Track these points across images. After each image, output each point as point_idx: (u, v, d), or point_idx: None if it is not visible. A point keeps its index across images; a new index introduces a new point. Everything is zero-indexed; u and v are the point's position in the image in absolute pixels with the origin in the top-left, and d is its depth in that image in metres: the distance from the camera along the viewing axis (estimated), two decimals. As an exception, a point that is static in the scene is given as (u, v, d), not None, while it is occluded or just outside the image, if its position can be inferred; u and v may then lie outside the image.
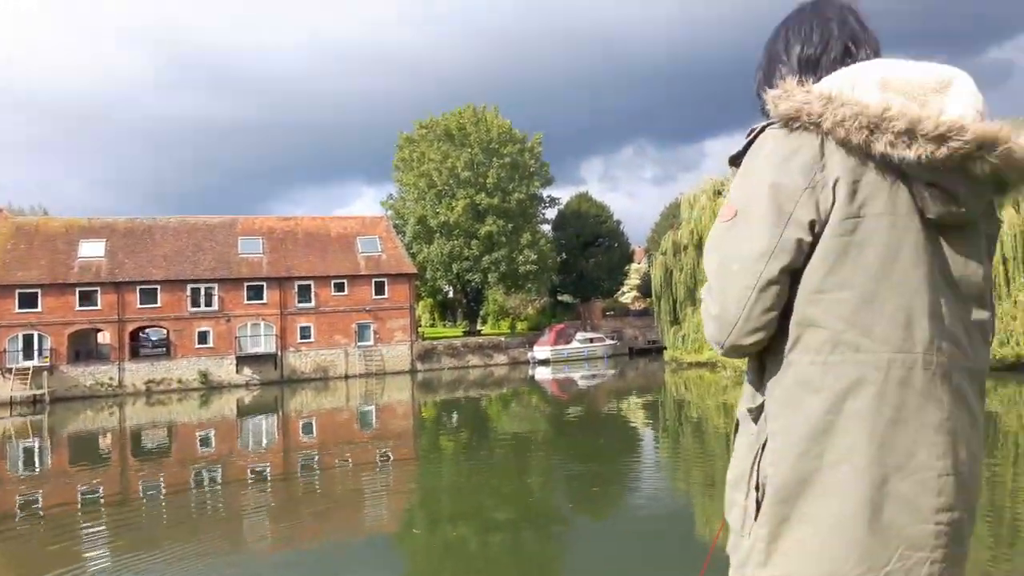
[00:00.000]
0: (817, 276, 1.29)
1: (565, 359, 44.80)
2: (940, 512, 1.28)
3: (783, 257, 1.29)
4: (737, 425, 1.47)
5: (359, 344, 42.33)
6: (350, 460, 15.63)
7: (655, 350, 46.51)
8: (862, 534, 1.26)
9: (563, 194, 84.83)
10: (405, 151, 52.08)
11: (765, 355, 1.37)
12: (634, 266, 67.80)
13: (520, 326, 53.67)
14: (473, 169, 49.48)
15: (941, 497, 1.27)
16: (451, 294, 61.74)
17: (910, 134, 1.23)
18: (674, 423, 19.65)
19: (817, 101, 1.28)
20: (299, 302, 41.53)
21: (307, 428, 22.72)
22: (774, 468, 1.32)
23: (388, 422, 23.49)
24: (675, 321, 37.39)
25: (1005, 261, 25.62)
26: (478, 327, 56.15)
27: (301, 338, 41.25)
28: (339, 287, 42.59)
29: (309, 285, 41.97)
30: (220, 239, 42.27)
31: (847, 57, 1.44)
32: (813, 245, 1.29)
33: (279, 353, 40.39)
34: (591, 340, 47.83)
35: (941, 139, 1.22)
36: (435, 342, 46.22)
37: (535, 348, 45.64)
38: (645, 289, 57.84)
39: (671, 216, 54.41)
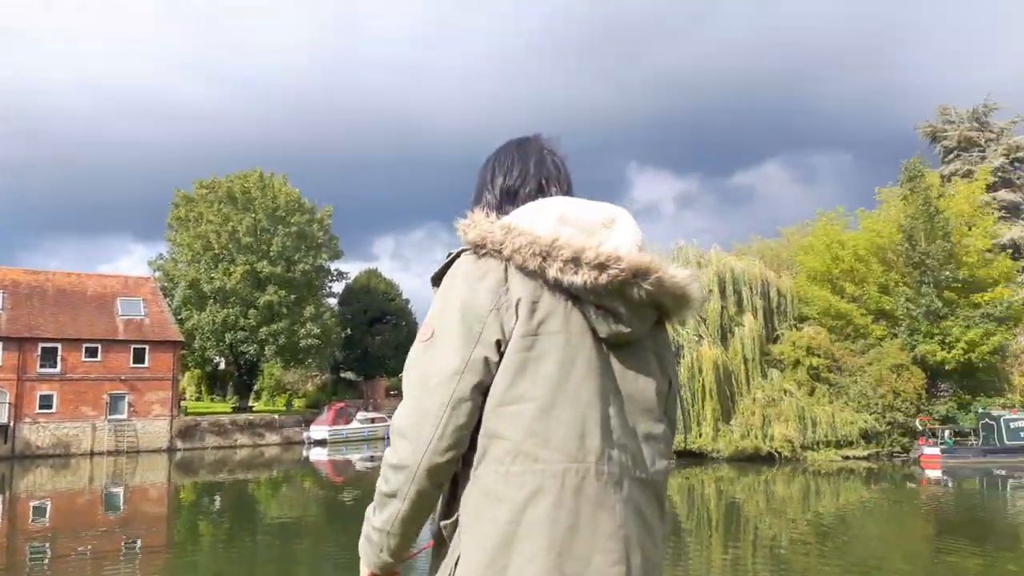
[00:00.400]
0: (499, 390, 1.38)
1: (344, 440, 43.36)
2: None
3: (473, 376, 1.38)
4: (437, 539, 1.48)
5: (110, 417, 38.32)
6: (89, 549, 13.84)
7: (437, 432, 46.33)
8: None
9: (352, 269, 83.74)
10: (181, 210, 49.03)
11: (458, 471, 1.42)
12: (419, 346, 67.76)
13: (297, 403, 51.49)
14: (256, 235, 47.59)
15: None
16: (222, 366, 58.05)
17: (576, 261, 1.38)
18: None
19: (499, 231, 1.43)
20: (41, 367, 37.03)
21: (39, 512, 19.90)
22: None
23: (138, 506, 21.19)
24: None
25: (746, 362, 28.67)
26: (250, 403, 53.01)
27: (41, 408, 36.58)
28: (91, 352, 38.55)
29: (55, 348, 37.64)
30: (-51, 289, 36.98)
31: (540, 193, 1.61)
32: (500, 361, 1.38)
33: (11, 424, 35.49)
34: (372, 420, 46.82)
35: (602, 267, 1.38)
36: (200, 418, 42.96)
37: (312, 427, 43.80)
38: (428, 370, 57.75)
39: (458, 299, 55.41)
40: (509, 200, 1.62)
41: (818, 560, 11.70)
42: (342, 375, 59.91)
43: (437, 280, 1.52)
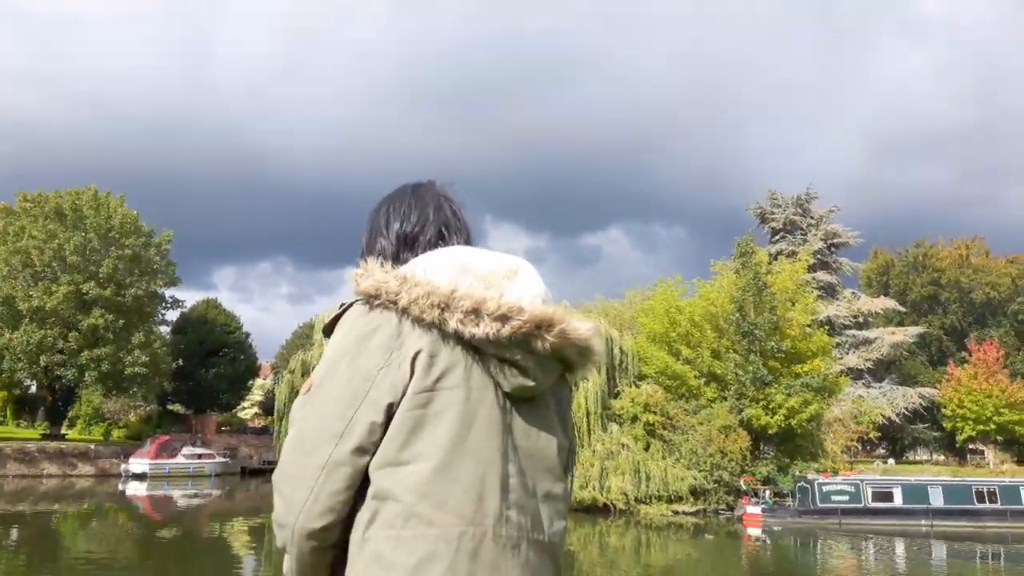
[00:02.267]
0: (392, 449, 1.31)
1: (167, 475, 40.48)
2: None
3: (353, 438, 1.31)
4: None
5: None
6: None
7: (270, 471, 44.26)
8: None
9: (189, 297, 79.16)
10: (1, 223, 45.01)
11: (346, 533, 1.35)
12: (259, 381, 65.10)
13: (117, 433, 47.72)
14: (85, 255, 44.25)
15: None
16: (33, 389, 52.99)
17: (476, 313, 1.33)
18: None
19: (394, 280, 1.37)
20: None
21: None
22: None
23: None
24: (294, 442, 36.21)
25: (588, 414, 29.51)
26: (63, 431, 48.51)
27: None
28: None
29: None
30: None
31: (440, 240, 1.57)
32: (388, 420, 1.32)
33: None
34: (199, 456, 44.07)
35: (503, 318, 1.33)
36: (2, 444, 38.88)
37: (131, 460, 40.64)
38: (268, 407, 55.54)
39: (304, 336, 53.89)
40: (407, 247, 1.57)
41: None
42: (169, 407, 56.23)
43: (328, 331, 1.43)
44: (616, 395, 31.19)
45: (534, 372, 1.38)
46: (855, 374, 47.33)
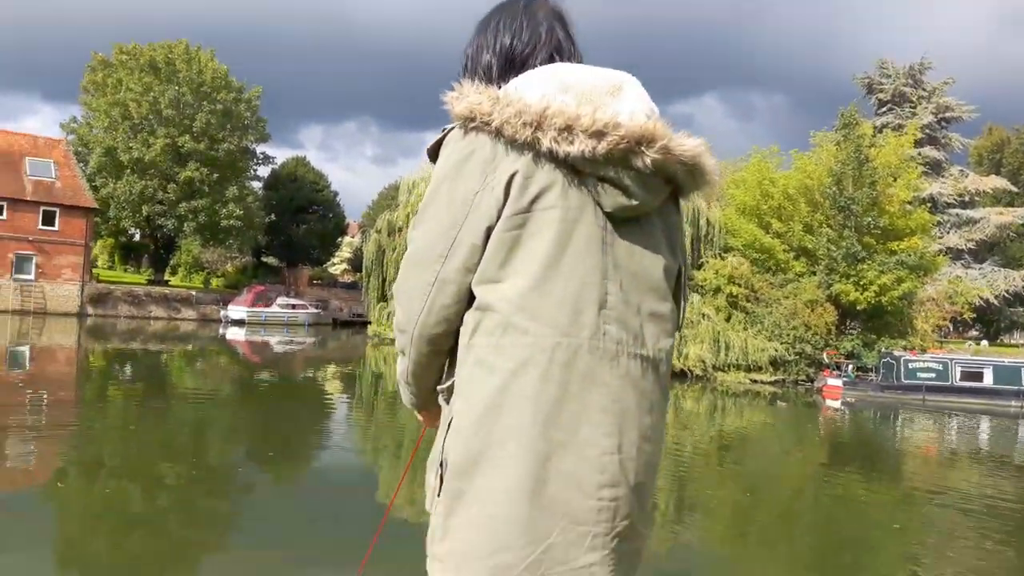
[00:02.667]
0: (491, 267, 1.36)
1: (263, 322, 42.80)
2: (603, 488, 1.33)
3: (456, 259, 1.37)
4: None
5: (16, 277, 36.75)
6: (-11, 402, 13.37)
7: (360, 323, 46.31)
8: (526, 508, 1.31)
9: (278, 155, 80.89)
10: (98, 74, 46.09)
11: (457, 339, 1.43)
12: (347, 239, 67.04)
13: (215, 282, 50.32)
14: (178, 109, 45.28)
15: (604, 475, 1.33)
16: (137, 237, 56.00)
17: (569, 130, 1.30)
18: (369, 395, 19.63)
19: (487, 101, 1.35)
20: (-58, 217, 34.97)
21: (-67, 364, 19.06)
22: (454, 445, 1.38)
23: (45, 367, 20.52)
24: (382, 298, 37.58)
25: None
26: (166, 277, 51.52)
27: (-59, 262, 34.74)
28: (-3, 210, 36.60)
29: (-41, 200, 35.51)
30: None
31: (550, 63, 1.49)
32: (487, 242, 1.35)
33: (-93, 274, 33.62)
34: (293, 306, 46.28)
35: (599, 135, 1.30)
36: (112, 286, 41.59)
37: (230, 307, 43.01)
38: (356, 263, 57.43)
39: (390, 197, 54.62)
40: (514, 68, 1.51)
41: (716, 470, 12.28)
42: (264, 259, 58.69)
43: (433, 155, 1.46)
44: (700, 266, 30.82)
45: (635, 191, 1.37)
46: (954, 254, 45.43)
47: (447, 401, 1.46)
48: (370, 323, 39.40)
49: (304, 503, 8.23)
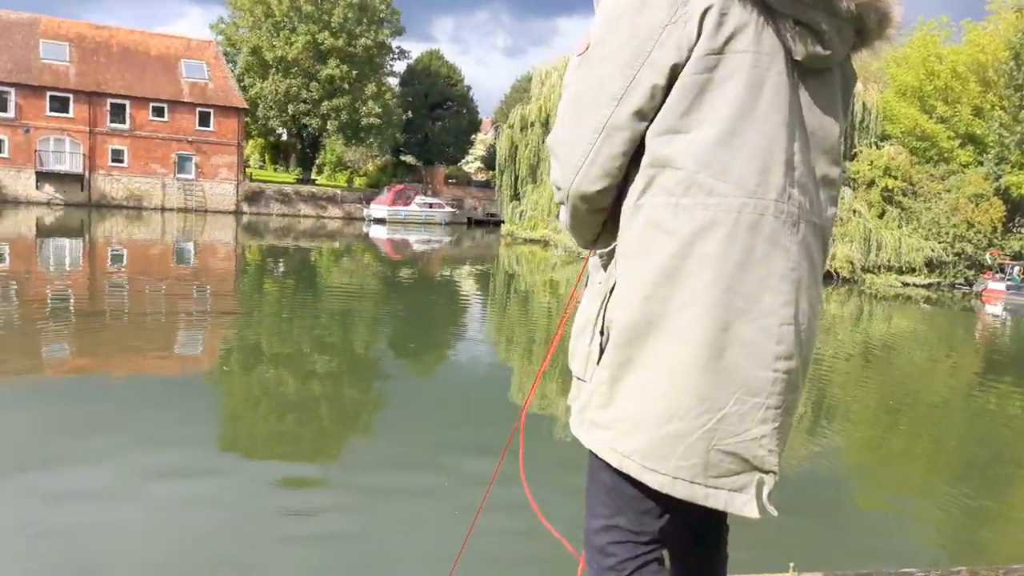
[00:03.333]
0: (674, 115, 1.23)
1: (402, 220, 44.26)
2: (779, 360, 1.27)
3: (634, 101, 1.23)
4: (587, 280, 1.47)
5: (179, 176, 39.42)
6: (163, 293, 14.67)
7: (493, 223, 46.96)
8: (702, 376, 1.25)
9: (413, 49, 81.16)
10: (239, -27, 47.26)
11: (618, 201, 1.34)
12: (480, 136, 67.22)
13: (358, 181, 52.16)
14: (316, 4, 45.90)
15: (781, 345, 1.27)
16: (285, 137, 58.48)
17: None
18: (503, 294, 20.04)
19: None
20: (112, 122, 37.71)
21: (117, 257, 21.03)
22: (620, 311, 1.31)
23: (207, 261, 22.22)
24: (515, 196, 37.72)
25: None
26: (312, 176, 53.86)
27: (113, 161, 37.73)
28: (158, 112, 38.98)
29: (124, 105, 38.08)
30: (18, 39, 37.03)
31: None
32: (671, 84, 1.22)
33: (87, 174, 36.83)
34: (430, 205, 47.44)
35: None
36: (264, 185, 43.97)
37: (372, 206, 44.65)
38: (489, 161, 57.70)
39: (522, 90, 53.90)
40: None
41: (859, 378, 11.77)
42: (402, 158, 60.01)
43: None
44: (852, 157, 28.77)
45: (831, 38, 1.26)
46: None
47: (605, 267, 1.40)
48: (503, 222, 39.82)
49: (441, 393, 8.62)
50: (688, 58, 1.21)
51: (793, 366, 1.29)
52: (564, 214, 1.43)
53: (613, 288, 1.34)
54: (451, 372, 10.10)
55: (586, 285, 1.48)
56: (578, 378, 1.43)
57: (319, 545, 4.47)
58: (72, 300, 13.19)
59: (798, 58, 1.25)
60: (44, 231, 26.61)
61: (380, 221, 43.14)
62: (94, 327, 10.79)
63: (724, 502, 1.31)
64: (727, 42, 1.21)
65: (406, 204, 45.64)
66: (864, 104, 29.01)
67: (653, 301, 1.27)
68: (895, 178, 27.93)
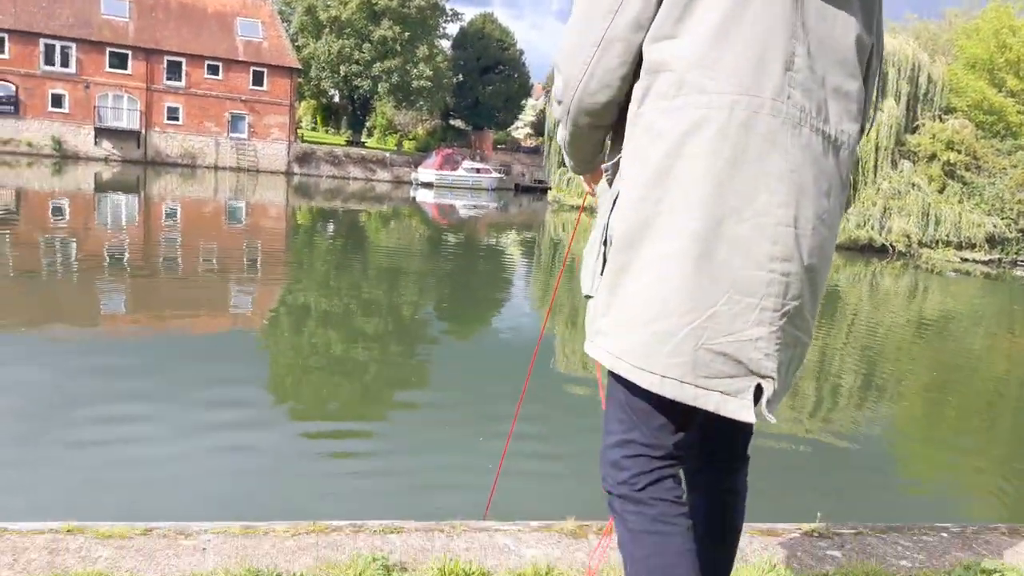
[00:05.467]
0: (669, 22, 1.24)
1: (449, 185, 44.26)
2: (774, 260, 1.24)
3: (630, 11, 1.25)
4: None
5: (232, 135, 39.91)
6: (215, 250, 14.97)
7: (540, 189, 46.72)
8: (692, 273, 1.24)
9: (466, 12, 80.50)
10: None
11: (622, 117, 1.35)
12: (531, 102, 66.61)
13: (407, 144, 52.22)
14: (371, -37, 45.70)
15: (776, 246, 1.24)
16: (336, 99, 58.74)
17: None
18: (548, 261, 19.99)
19: None
20: (168, 79, 38.23)
21: (171, 214, 21.49)
22: (619, 219, 1.31)
23: (259, 220, 22.57)
24: (563, 163, 37.21)
25: (878, 149, 26.83)
26: (362, 138, 54.12)
27: (168, 119, 38.33)
28: (213, 70, 39.34)
29: (180, 63, 38.54)
30: (80, -6, 37.52)
31: None
32: None
33: (143, 131, 37.51)
34: (478, 170, 47.31)
35: None
36: (315, 147, 44.31)
37: (420, 169, 44.69)
38: (539, 127, 57.21)
39: (575, 55, 53.03)
40: None
41: (909, 353, 11.48)
42: (451, 122, 59.86)
43: None
44: (914, 130, 27.84)
45: None
46: None
47: (611, 182, 1.39)
48: (550, 189, 39.55)
49: (485, 361, 8.66)
50: None
51: (792, 269, 1.26)
52: (562, 130, 1.43)
53: (616, 199, 1.33)
54: (494, 340, 10.14)
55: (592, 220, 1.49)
56: (587, 296, 1.43)
57: (363, 479, 4.73)
58: (127, 255, 13.53)
59: None
60: (102, 187, 27.28)
61: (427, 185, 43.22)
62: (149, 282, 11.07)
63: (716, 404, 1.28)
64: None
65: (454, 169, 45.59)
66: (930, 76, 27.97)
67: (647, 203, 1.26)
68: (958, 152, 26.95)
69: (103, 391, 6.01)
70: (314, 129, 60.46)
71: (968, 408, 8.58)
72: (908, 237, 25.50)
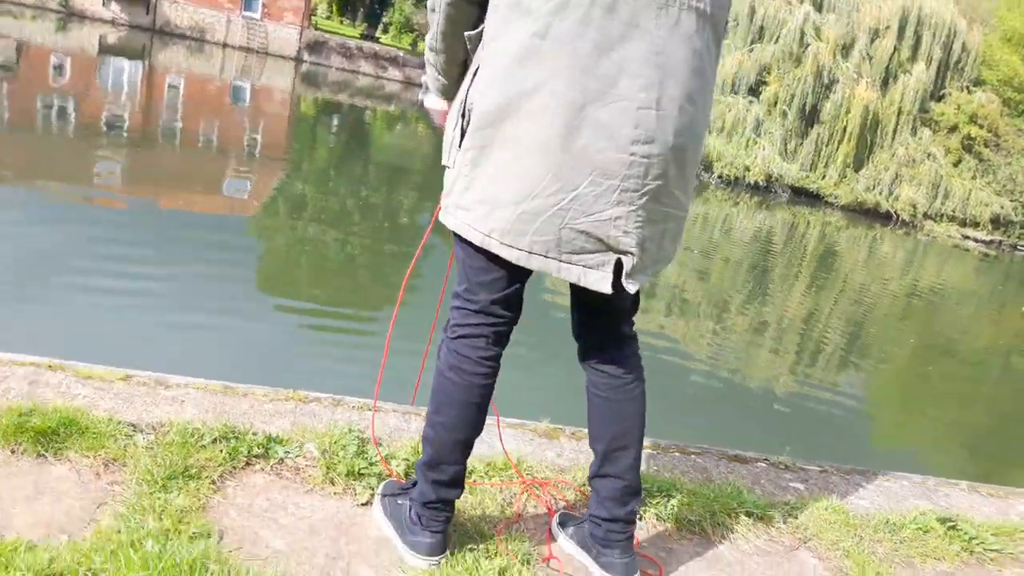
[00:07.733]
0: None
1: (459, 93, 43.34)
2: (635, 144, 1.28)
3: None
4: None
5: (244, 13, 38.70)
6: (215, 129, 14.72)
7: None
8: (557, 156, 1.28)
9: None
10: None
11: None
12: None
13: (422, 46, 50.87)
14: None
15: (638, 129, 1.27)
16: (355, -10, 56.94)
17: None
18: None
19: None
20: (183, -53, 36.77)
21: (174, 87, 21.02)
22: (480, 94, 1.33)
23: (262, 104, 22.12)
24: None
25: (900, 113, 26.39)
26: (377, 33, 52.70)
27: (180, -11, 37.05)
28: (230, -57, 37.86)
29: (200, -70, 37.00)
30: None
31: None
32: None
33: (153, -1, 36.31)
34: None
35: None
36: (328, 36, 43.12)
37: (431, 73, 43.68)
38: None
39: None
40: None
41: (897, 322, 11.56)
42: (469, 29, 58.41)
43: None
44: (940, 98, 27.33)
45: None
46: None
47: (473, 50, 1.41)
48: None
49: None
50: None
51: (653, 151, 1.30)
52: (432, 28, 1.48)
53: (477, 72, 1.36)
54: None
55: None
56: (444, 165, 1.48)
57: (348, 364, 4.86)
58: (126, 123, 13.28)
59: None
60: (106, 49, 26.57)
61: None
62: (145, 153, 10.90)
63: (577, 276, 1.38)
64: None
65: (467, 77, 44.68)
66: (964, 44, 27.26)
67: (511, 83, 1.29)
68: (980, 126, 26.56)
69: (93, 250, 5.99)
70: (328, 18, 58.71)
71: (947, 374, 8.70)
72: (914, 207, 25.38)
